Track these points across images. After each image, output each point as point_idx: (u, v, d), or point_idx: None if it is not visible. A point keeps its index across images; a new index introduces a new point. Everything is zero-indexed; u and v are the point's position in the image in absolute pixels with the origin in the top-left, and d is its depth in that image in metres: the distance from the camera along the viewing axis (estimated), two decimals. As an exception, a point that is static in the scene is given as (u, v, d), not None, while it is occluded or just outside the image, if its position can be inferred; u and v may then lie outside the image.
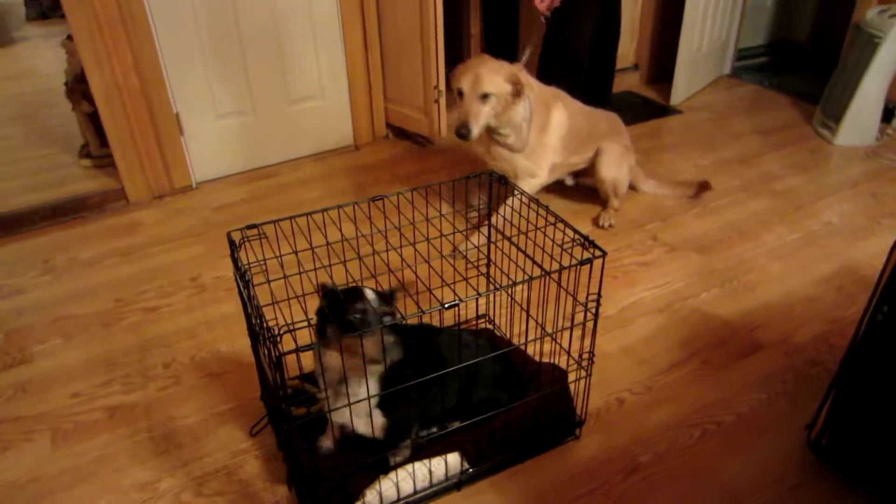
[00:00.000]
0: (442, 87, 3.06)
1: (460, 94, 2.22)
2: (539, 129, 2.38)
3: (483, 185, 2.46)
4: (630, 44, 4.07)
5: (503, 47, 3.54)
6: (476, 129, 2.18)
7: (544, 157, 2.44)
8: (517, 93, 2.22)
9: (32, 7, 6.32)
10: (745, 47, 4.39)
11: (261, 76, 2.97)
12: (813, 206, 2.71)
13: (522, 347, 1.72)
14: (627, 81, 4.08)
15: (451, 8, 3.41)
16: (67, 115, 3.22)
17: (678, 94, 3.74)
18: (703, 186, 2.77)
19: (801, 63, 4.42)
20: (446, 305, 1.25)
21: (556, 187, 2.84)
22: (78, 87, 2.90)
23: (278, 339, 1.25)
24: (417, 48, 3.00)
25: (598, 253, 1.37)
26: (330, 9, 3.00)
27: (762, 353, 1.95)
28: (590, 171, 2.64)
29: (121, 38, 2.56)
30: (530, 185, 2.47)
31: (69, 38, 2.69)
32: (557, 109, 2.43)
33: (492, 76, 2.17)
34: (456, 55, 3.75)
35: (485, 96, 2.19)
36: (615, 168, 2.58)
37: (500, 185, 1.69)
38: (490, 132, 2.34)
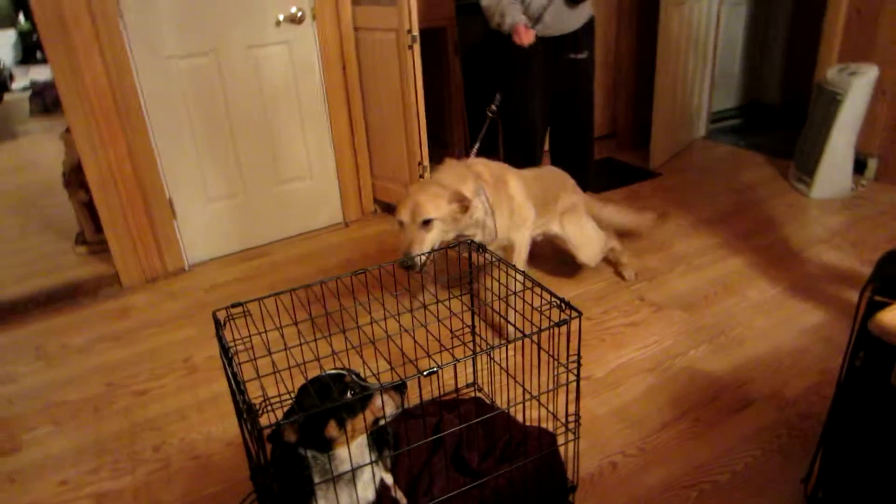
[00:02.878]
0: (426, 162, 3.16)
1: (401, 224, 2.09)
2: (506, 200, 2.33)
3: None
4: (608, 112, 4.22)
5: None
6: (422, 257, 2.01)
7: (525, 211, 2.40)
8: (465, 208, 2.10)
9: (36, 103, 6.58)
10: (719, 110, 4.55)
11: (250, 159, 3.07)
12: (794, 259, 2.75)
13: (509, 412, 1.72)
14: (606, 148, 4.20)
15: (433, 85, 3.56)
16: (65, 205, 3.31)
17: (656, 158, 3.85)
18: (664, 215, 2.84)
19: (774, 122, 4.58)
20: (425, 373, 1.27)
21: (545, 255, 2.90)
22: (75, 177, 2.99)
23: (260, 413, 1.26)
24: (401, 127, 3.12)
25: (574, 314, 1.40)
26: (316, 92, 3.13)
27: (754, 407, 1.94)
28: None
29: (116, 129, 2.67)
30: (524, 234, 2.40)
31: (67, 130, 2.80)
32: (512, 178, 2.40)
33: (433, 201, 2.04)
34: (439, 129, 3.88)
35: (427, 222, 2.05)
36: (585, 247, 2.57)
37: (478, 254, 1.73)
38: (458, 237, 2.15)
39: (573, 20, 2.85)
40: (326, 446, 1.31)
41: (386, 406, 1.32)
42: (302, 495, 1.34)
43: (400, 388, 1.34)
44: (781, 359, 2.15)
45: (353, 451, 1.31)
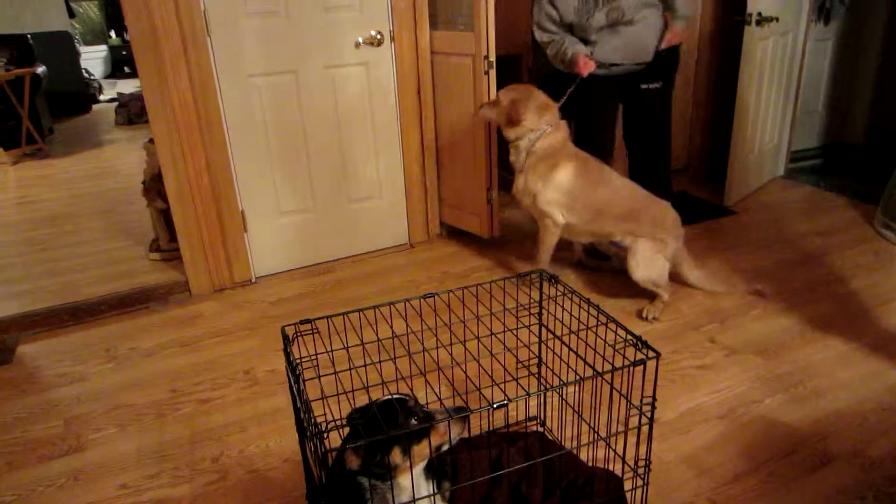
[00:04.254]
0: (495, 190, 3.15)
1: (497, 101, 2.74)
2: (540, 179, 2.71)
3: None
4: (682, 145, 4.12)
5: None
6: (484, 109, 2.79)
7: (541, 201, 2.74)
8: (509, 120, 2.68)
9: (121, 114, 6.93)
10: (799, 149, 4.38)
11: (322, 176, 3.12)
12: (881, 310, 2.59)
13: (574, 451, 1.65)
14: (680, 182, 4.09)
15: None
16: (142, 212, 3.43)
17: (732, 195, 3.72)
18: (758, 293, 2.74)
19: (857, 164, 4.37)
20: (495, 405, 1.23)
21: (608, 285, 2.83)
22: (154, 186, 3.10)
23: (325, 434, 1.25)
24: (471, 152, 3.12)
25: (651, 354, 1.34)
26: (390, 114, 3.17)
27: (835, 465, 1.82)
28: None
29: (196, 142, 2.76)
30: (546, 232, 2.80)
31: (150, 141, 2.92)
32: (564, 168, 2.67)
33: (505, 92, 2.72)
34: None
35: (494, 102, 2.74)
36: (644, 268, 2.59)
37: (551, 284, 1.69)
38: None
39: (643, 51, 2.82)
40: (388, 474, 1.28)
41: (451, 432, 1.29)
42: None
43: (462, 412, 1.30)
44: (865, 415, 2.01)
45: (415, 478, 1.28)
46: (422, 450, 1.27)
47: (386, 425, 1.24)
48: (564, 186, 2.68)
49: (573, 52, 2.75)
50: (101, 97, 8.33)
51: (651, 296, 2.67)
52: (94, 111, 7.71)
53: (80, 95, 7.59)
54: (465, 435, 1.35)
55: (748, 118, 3.62)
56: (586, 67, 2.73)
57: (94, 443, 2.06)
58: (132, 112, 6.86)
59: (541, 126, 2.68)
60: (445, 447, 1.32)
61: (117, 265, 3.27)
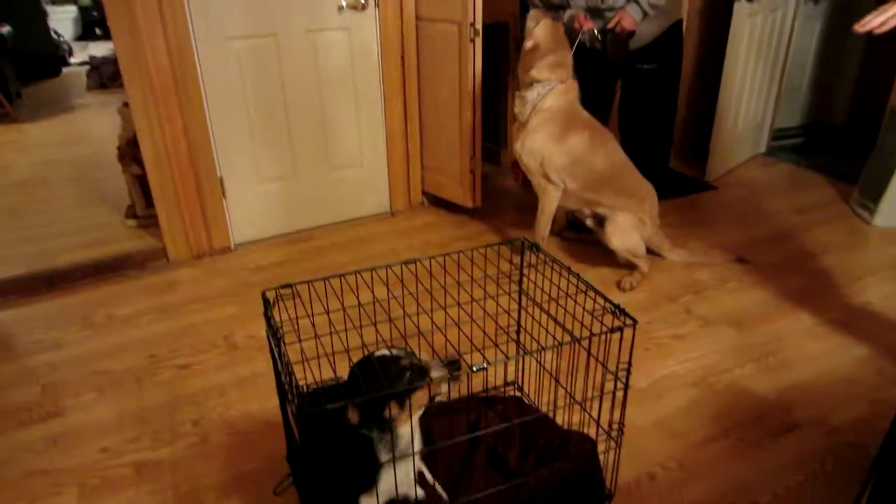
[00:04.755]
0: (478, 158, 3.14)
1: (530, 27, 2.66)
2: (551, 141, 2.63)
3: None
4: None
5: None
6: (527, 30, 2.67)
7: (547, 165, 2.67)
8: (523, 64, 2.64)
9: (93, 77, 6.75)
10: (782, 127, 4.42)
11: (303, 143, 3.10)
12: (852, 286, 2.65)
13: (550, 415, 1.69)
14: (660, 157, 4.12)
15: (490, 82, 3.54)
16: (117, 178, 3.38)
17: (714, 171, 3.76)
18: (741, 260, 2.79)
19: (838, 145, 4.42)
20: (475, 368, 1.25)
21: (588, 256, 2.86)
22: (129, 151, 3.05)
23: (305, 396, 1.26)
24: (455, 121, 3.11)
25: (628, 321, 1.36)
26: (372, 81, 3.14)
27: (799, 432, 1.88)
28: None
29: (173, 106, 2.71)
30: (546, 198, 2.75)
31: (125, 104, 2.86)
32: (579, 135, 2.63)
33: (540, 31, 2.62)
34: (493, 127, 3.86)
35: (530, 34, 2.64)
36: (619, 237, 2.63)
37: (532, 252, 1.71)
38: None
39: (644, 32, 2.82)
40: (388, 425, 1.31)
41: (443, 384, 1.32)
42: (369, 474, 1.33)
43: (455, 365, 1.34)
44: (831, 386, 2.07)
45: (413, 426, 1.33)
46: (419, 400, 1.31)
47: (381, 379, 1.27)
48: (576, 153, 2.63)
49: (572, 13, 2.77)
50: (72, 60, 8.07)
51: (631, 268, 2.71)
52: (64, 75, 7.48)
53: (50, 58, 7.34)
54: (456, 386, 1.37)
55: (733, 94, 3.63)
56: (586, 23, 2.73)
57: (72, 408, 2.06)
58: (105, 76, 6.69)
59: (551, 80, 2.62)
60: (441, 398, 1.36)
61: (92, 232, 3.23)
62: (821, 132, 4.61)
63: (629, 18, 2.76)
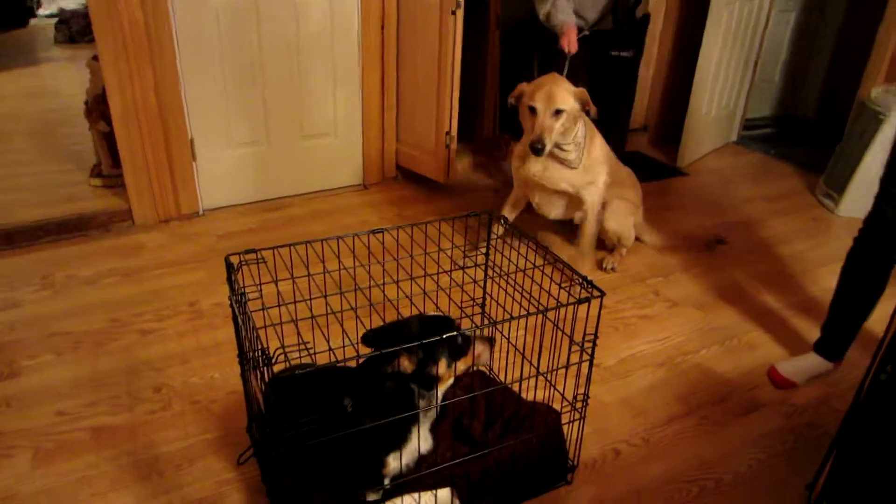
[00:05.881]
0: (454, 132, 3.11)
1: (532, 110, 2.30)
2: (589, 149, 2.49)
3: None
4: (640, 105, 4.14)
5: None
6: (549, 144, 2.29)
7: (599, 169, 2.53)
8: (583, 111, 2.35)
9: (62, 31, 6.49)
10: (752, 117, 4.46)
11: (278, 109, 3.03)
12: (815, 272, 2.70)
13: (514, 387, 1.69)
14: (636, 142, 4.13)
15: (469, 58, 3.50)
16: (83, 135, 3.27)
17: (685, 157, 3.78)
18: (719, 240, 2.86)
19: (807, 136, 4.49)
20: (444, 336, 1.24)
21: (563, 230, 2.86)
22: (97, 107, 2.95)
23: (273, 361, 1.24)
24: (433, 95, 3.06)
25: (596, 293, 1.36)
26: (351, 50, 3.07)
27: (762, 412, 1.91)
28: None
29: (145, 62, 2.62)
30: (593, 192, 2.53)
31: (95, 58, 2.76)
32: (598, 136, 2.55)
33: (564, 94, 2.28)
34: (470, 103, 3.82)
35: (557, 112, 2.27)
36: (619, 221, 2.65)
37: (501, 226, 1.70)
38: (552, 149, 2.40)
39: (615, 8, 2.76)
40: (433, 382, 1.33)
41: (483, 355, 1.38)
42: (402, 427, 1.35)
43: (492, 340, 1.38)
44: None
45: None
46: (463, 364, 1.34)
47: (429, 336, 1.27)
48: (607, 155, 2.58)
49: (562, 19, 2.61)
50: (40, 12, 7.76)
51: (609, 251, 2.75)
52: (31, 26, 7.18)
53: (16, 7, 7.03)
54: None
55: (708, 81, 3.65)
56: (571, 45, 2.59)
57: (28, 370, 2.00)
58: (74, 29, 6.44)
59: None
60: (472, 369, 1.42)
61: (55, 189, 3.12)
62: (791, 123, 4.68)
63: None
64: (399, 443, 1.34)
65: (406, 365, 1.28)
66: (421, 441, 1.37)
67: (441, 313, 1.38)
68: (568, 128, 2.33)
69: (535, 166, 2.46)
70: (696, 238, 2.93)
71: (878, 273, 1.88)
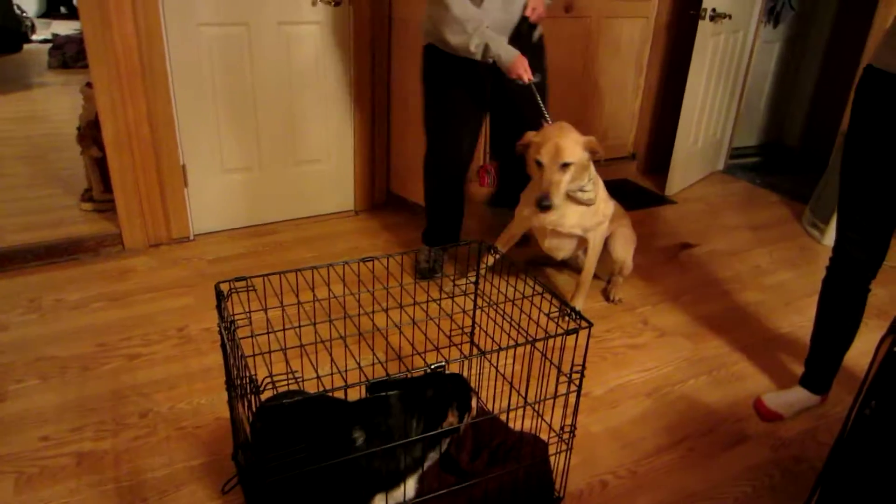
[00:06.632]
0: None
1: (539, 164, 2.22)
2: (603, 200, 2.46)
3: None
4: (628, 134, 4.21)
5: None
6: (558, 200, 2.22)
7: (605, 207, 2.50)
8: (592, 158, 2.28)
9: (56, 56, 6.53)
10: (739, 146, 4.54)
11: (270, 136, 3.05)
12: (801, 303, 2.73)
13: (502, 417, 1.69)
14: (625, 170, 4.18)
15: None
16: (75, 160, 3.28)
17: (673, 186, 3.83)
18: (686, 246, 2.88)
19: (792, 165, 4.56)
20: (432, 367, 1.24)
21: (552, 261, 2.88)
22: (89, 133, 2.96)
23: (261, 390, 1.24)
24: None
25: (584, 324, 1.37)
26: (343, 77, 3.11)
27: (748, 444, 1.92)
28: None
29: (138, 88, 2.64)
30: (599, 231, 2.51)
31: (88, 84, 2.78)
32: (596, 174, 2.46)
33: (572, 147, 2.20)
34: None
35: (565, 165, 2.20)
36: (625, 250, 2.67)
37: (489, 254, 1.71)
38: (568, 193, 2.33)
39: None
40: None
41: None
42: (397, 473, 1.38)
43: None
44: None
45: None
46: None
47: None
48: (603, 187, 2.51)
49: (506, 51, 2.28)
50: (34, 37, 7.81)
51: (606, 281, 2.77)
52: (25, 51, 7.23)
53: (11, 33, 7.09)
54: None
55: (695, 111, 3.72)
56: (528, 72, 2.31)
57: (13, 394, 1.98)
58: (67, 55, 6.48)
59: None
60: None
61: (45, 213, 3.12)
62: (776, 152, 4.76)
63: (542, 4, 2.44)
64: (391, 484, 1.34)
65: (451, 419, 1.38)
66: (409, 487, 1.37)
67: (453, 373, 1.43)
68: (580, 173, 2.27)
69: (551, 215, 2.36)
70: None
71: (853, 302, 1.90)
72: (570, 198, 2.35)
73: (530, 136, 2.29)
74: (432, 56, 2.49)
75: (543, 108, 2.40)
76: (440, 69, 2.49)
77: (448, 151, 2.64)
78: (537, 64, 2.45)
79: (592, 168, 2.34)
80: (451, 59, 2.39)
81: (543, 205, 2.20)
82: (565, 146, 2.18)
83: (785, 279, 2.93)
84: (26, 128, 4.60)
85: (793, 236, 3.41)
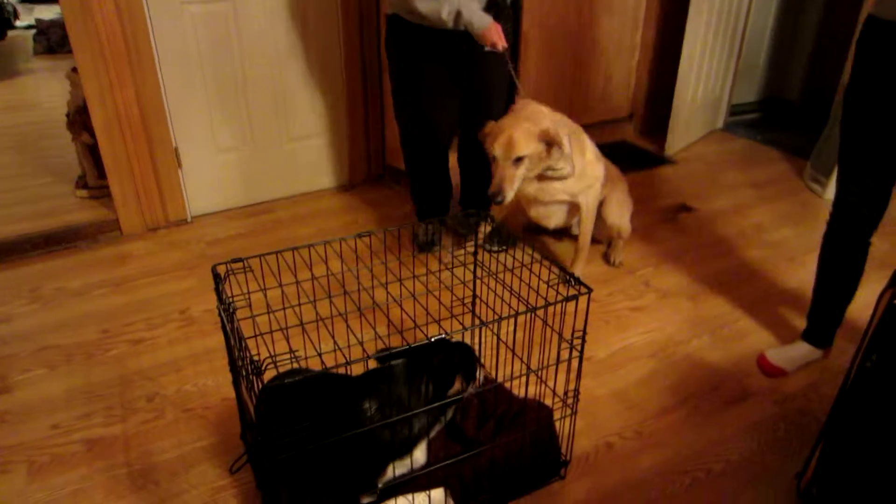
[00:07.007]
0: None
1: (493, 158, 2.16)
2: (579, 154, 2.35)
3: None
4: (626, 94, 4.15)
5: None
6: (510, 194, 2.14)
7: (594, 171, 2.44)
8: (550, 148, 2.16)
9: (41, 42, 6.44)
10: (738, 103, 4.47)
11: (261, 113, 3.02)
12: (804, 258, 2.72)
13: (506, 384, 1.70)
14: (622, 131, 4.14)
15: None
16: (66, 147, 3.25)
17: (672, 145, 3.79)
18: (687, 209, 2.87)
19: (792, 120, 4.50)
20: (433, 339, 1.24)
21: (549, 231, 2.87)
22: (79, 119, 2.93)
23: (262, 370, 1.24)
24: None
25: (583, 290, 1.37)
26: (333, 51, 3.06)
27: (752, 400, 1.93)
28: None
29: (125, 72, 2.60)
30: (590, 195, 2.45)
31: (74, 70, 2.74)
32: (584, 134, 2.42)
33: (524, 141, 2.10)
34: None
35: (518, 160, 2.12)
36: (619, 215, 2.64)
37: (487, 224, 1.70)
38: (540, 174, 2.28)
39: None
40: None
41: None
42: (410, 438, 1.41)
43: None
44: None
45: None
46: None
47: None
48: (599, 157, 2.48)
49: (479, 18, 2.17)
50: (18, 23, 7.69)
51: (606, 245, 2.75)
52: (9, 38, 7.11)
53: (-7, 20, 7.00)
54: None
55: (692, 69, 3.65)
56: (502, 39, 2.22)
57: (20, 384, 1.99)
58: (52, 40, 6.38)
59: (566, 131, 2.29)
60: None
61: (41, 202, 3.10)
62: (776, 108, 4.69)
63: None
64: (403, 452, 1.36)
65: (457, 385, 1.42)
66: (420, 454, 1.39)
67: (459, 341, 1.45)
68: (539, 162, 2.18)
69: (529, 188, 2.32)
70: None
71: (854, 255, 1.89)
72: (543, 177, 2.30)
73: (490, 125, 2.21)
74: (397, 27, 2.36)
75: (515, 77, 2.35)
76: (408, 41, 2.37)
77: (425, 135, 2.56)
78: (508, 28, 2.36)
79: (566, 144, 2.23)
80: (418, 30, 2.28)
81: (496, 200, 2.14)
82: (518, 139, 2.10)
83: (787, 235, 2.92)
84: (15, 116, 4.55)
85: (794, 192, 3.38)
